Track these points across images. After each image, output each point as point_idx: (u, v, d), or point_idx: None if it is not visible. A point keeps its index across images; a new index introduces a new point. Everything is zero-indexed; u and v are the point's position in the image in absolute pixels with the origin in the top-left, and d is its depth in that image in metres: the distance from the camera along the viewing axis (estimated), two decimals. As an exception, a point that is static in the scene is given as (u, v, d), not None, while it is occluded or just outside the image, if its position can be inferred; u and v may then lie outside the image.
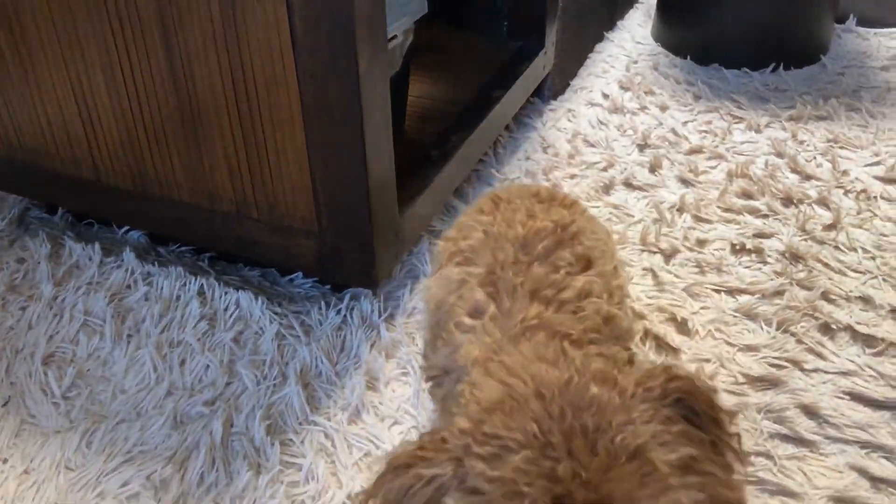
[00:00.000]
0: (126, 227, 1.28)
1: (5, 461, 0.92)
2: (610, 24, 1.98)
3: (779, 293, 1.12)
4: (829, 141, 1.50)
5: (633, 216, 1.31)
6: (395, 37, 1.10)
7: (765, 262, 1.19)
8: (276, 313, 1.09)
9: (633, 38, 1.95)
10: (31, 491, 0.88)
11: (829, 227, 1.26)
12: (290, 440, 0.92)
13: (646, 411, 0.49)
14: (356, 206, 0.95)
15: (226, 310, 1.10)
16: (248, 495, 0.85)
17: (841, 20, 1.97)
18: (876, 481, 0.86)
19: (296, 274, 1.18)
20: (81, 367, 1.03)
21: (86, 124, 1.07)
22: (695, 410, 0.52)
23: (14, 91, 1.10)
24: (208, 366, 1.02)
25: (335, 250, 1.00)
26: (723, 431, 0.53)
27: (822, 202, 1.32)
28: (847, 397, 0.96)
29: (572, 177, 1.41)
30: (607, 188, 1.39)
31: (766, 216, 1.29)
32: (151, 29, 0.94)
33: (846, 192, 1.35)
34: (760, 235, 1.24)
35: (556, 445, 0.46)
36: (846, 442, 0.90)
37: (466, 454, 0.48)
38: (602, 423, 0.47)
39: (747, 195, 1.34)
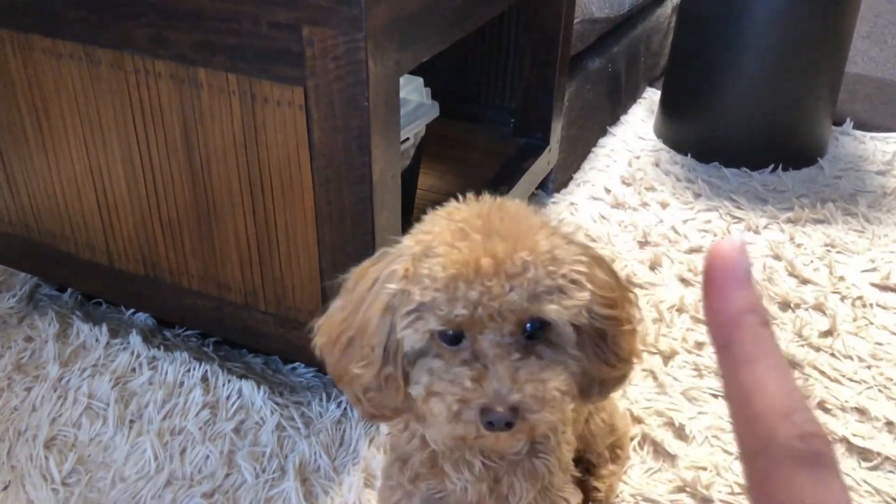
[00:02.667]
0: (133, 310, 1.30)
1: (1, 549, 0.92)
2: (613, 119, 2.03)
3: (775, 400, 1.13)
4: (826, 245, 1.53)
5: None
6: (407, 139, 1.14)
7: (762, 368, 1.20)
8: (277, 404, 1.10)
9: (636, 134, 2.01)
10: (26, 582, 0.88)
11: (826, 334, 1.28)
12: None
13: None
14: (363, 305, 0.97)
15: (228, 398, 1.11)
16: None
17: (838, 123, 2.02)
18: None
19: (298, 363, 1.20)
20: (83, 453, 1.04)
21: (102, 210, 1.10)
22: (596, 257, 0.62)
23: (35, 174, 1.14)
24: (208, 456, 1.03)
25: (340, 346, 1.01)
26: (615, 274, 0.63)
27: (819, 308, 1.34)
28: (842, 512, 0.97)
29: (574, 272, 1.44)
30: (608, 285, 1.41)
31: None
32: (173, 125, 0.98)
33: (843, 298, 1.38)
34: (758, 340, 1.26)
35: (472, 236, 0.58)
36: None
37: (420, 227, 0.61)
38: (522, 211, 0.61)
39: (745, 298, 1.37)
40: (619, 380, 0.64)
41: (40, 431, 1.07)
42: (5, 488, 0.99)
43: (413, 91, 1.19)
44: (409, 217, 1.30)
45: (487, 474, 0.70)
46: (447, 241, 0.58)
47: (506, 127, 1.62)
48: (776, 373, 0.22)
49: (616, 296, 0.61)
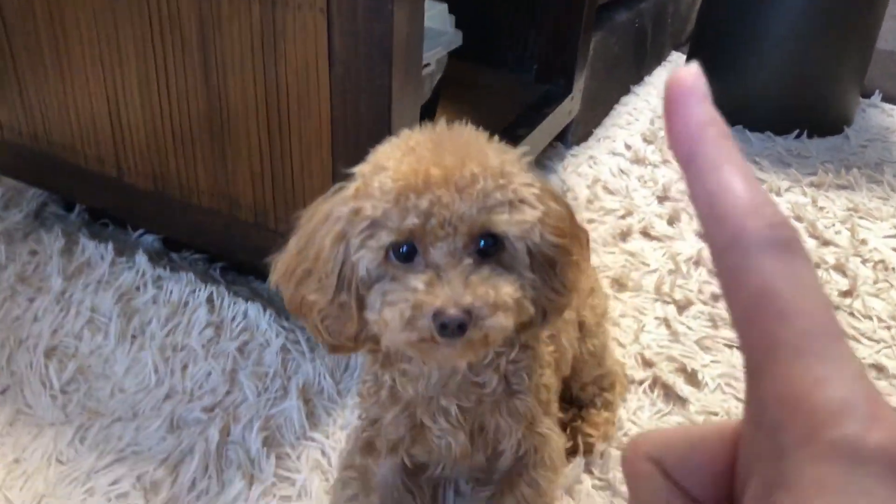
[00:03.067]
0: (141, 231, 1.28)
1: (-3, 449, 0.90)
2: (637, 78, 1.99)
3: (791, 354, 1.10)
4: (849, 209, 1.50)
5: (648, 265, 1.30)
6: (428, 65, 1.11)
7: (778, 322, 1.17)
8: (283, 327, 1.08)
9: (659, 94, 1.96)
10: (20, 480, 0.86)
11: (846, 294, 1.25)
12: (287, 454, 0.90)
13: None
14: (375, 225, 0.95)
15: (233, 319, 1.09)
16: (239, 506, 0.84)
17: (866, 95, 1.98)
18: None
19: (306, 291, 1.17)
20: (83, 363, 1.02)
21: (114, 122, 1.08)
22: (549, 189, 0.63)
23: (48, 85, 1.11)
24: (210, 373, 1.01)
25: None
26: (567, 207, 0.64)
27: (840, 268, 1.31)
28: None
29: (590, 221, 1.41)
30: (624, 235, 1.38)
31: (782, 277, 1.28)
32: (190, 31, 0.95)
33: (864, 262, 1.34)
34: (775, 295, 1.23)
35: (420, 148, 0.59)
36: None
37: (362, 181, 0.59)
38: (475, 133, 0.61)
39: (764, 255, 1.33)
40: (561, 309, 0.65)
41: (41, 340, 1.05)
42: (3, 392, 0.98)
43: (437, 17, 1.16)
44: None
45: (466, 420, 0.70)
46: (396, 157, 0.58)
47: (528, 73, 1.59)
48: (741, 175, 0.22)
49: (565, 227, 0.61)
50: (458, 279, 0.55)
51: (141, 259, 1.19)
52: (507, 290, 0.56)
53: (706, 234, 0.23)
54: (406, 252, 0.57)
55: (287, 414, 0.95)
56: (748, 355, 0.21)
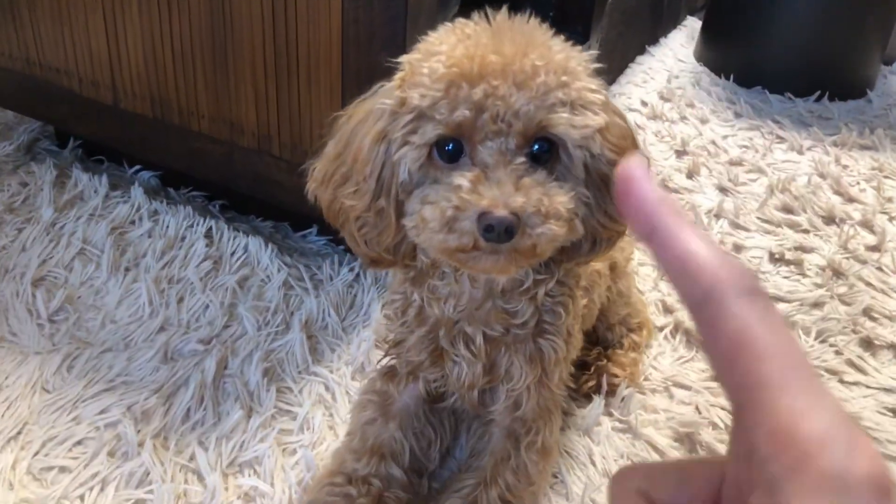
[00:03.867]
0: (137, 167, 1.21)
1: (-22, 374, 0.84)
2: (653, 39, 1.93)
3: (818, 305, 1.05)
4: (874, 169, 1.44)
5: (667, 215, 1.25)
6: (444, -10, 1.05)
7: (804, 275, 1.12)
8: (285, 263, 1.02)
9: (675, 56, 1.91)
10: (2, 407, 0.80)
11: (873, 249, 1.19)
12: (288, 388, 0.85)
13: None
14: (386, 149, 0.89)
15: (233, 254, 1.04)
16: (237, 436, 0.78)
17: (889, 62, 1.92)
18: (920, 501, 0.78)
19: (309, 230, 1.12)
20: (72, 293, 0.96)
21: (111, 42, 1.02)
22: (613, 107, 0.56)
23: (41, 1, 1.05)
24: (208, 305, 0.95)
25: (358, 195, 0.93)
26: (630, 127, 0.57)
27: (866, 224, 1.26)
28: (890, 414, 0.89)
29: (606, 172, 1.35)
30: (642, 187, 1.32)
31: (806, 231, 1.22)
32: (193, -59, 0.89)
33: (891, 219, 1.29)
34: (800, 249, 1.17)
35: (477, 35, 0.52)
36: (890, 458, 0.83)
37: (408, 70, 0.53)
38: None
39: (788, 209, 1.28)
40: (611, 238, 0.58)
41: (28, 270, 0.99)
42: (-13, 319, 0.92)
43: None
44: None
45: (488, 351, 0.64)
46: (451, 42, 0.51)
47: (545, 19, 1.52)
48: (701, 237, 0.25)
49: (626, 145, 0.54)
50: (509, 179, 0.49)
51: (137, 192, 1.13)
52: (562, 198, 0.50)
53: (681, 295, 0.25)
54: (452, 150, 0.51)
55: (289, 348, 0.89)
56: (733, 395, 0.23)
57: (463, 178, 0.49)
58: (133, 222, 1.09)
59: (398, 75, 0.53)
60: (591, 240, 0.57)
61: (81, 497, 0.72)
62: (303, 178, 0.95)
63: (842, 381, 0.93)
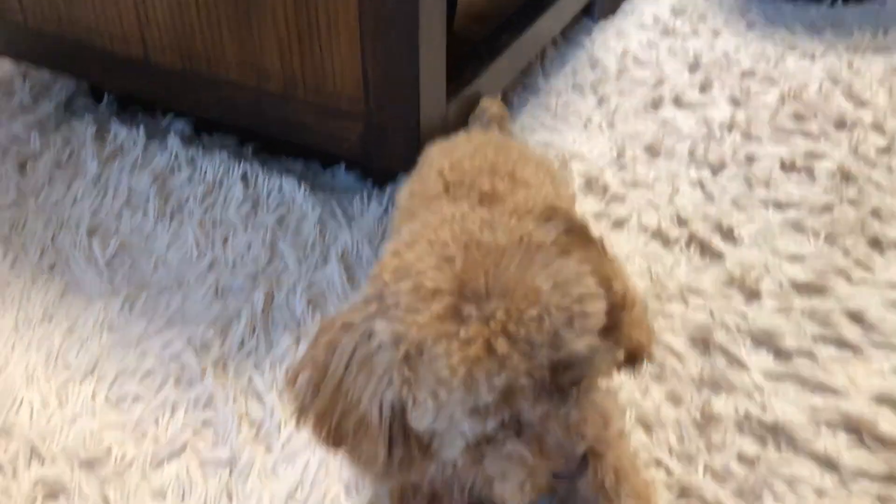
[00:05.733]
0: (170, 116, 1.28)
1: (51, 319, 0.93)
2: (664, -48, 1.93)
3: (827, 209, 1.10)
4: (886, 70, 1.46)
5: (681, 131, 1.29)
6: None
7: (814, 180, 1.16)
8: (318, 200, 1.09)
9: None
10: (75, 346, 0.89)
11: (883, 151, 1.23)
12: (331, 314, 0.92)
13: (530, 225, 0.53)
14: (406, 87, 0.94)
15: (269, 195, 1.10)
16: (288, 360, 0.86)
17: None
18: (921, 386, 0.85)
19: (338, 166, 1.18)
20: (125, 240, 1.04)
21: (137, -1, 1.07)
22: (572, 230, 0.55)
23: (66, -35, 1.10)
24: (250, 244, 1.02)
25: (381, 132, 0.99)
26: (597, 247, 0.57)
27: (877, 127, 1.29)
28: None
29: (620, 92, 1.39)
30: (656, 104, 1.36)
31: (817, 137, 1.26)
32: None
33: (902, 120, 1.31)
34: (811, 155, 1.21)
35: (456, 257, 0.50)
36: (893, 348, 0.89)
37: (385, 287, 0.51)
38: (496, 236, 0.51)
39: (799, 117, 1.31)
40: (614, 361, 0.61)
41: (82, 221, 1.07)
42: (51, 268, 1.00)
43: None
44: (451, 24, 1.24)
45: None
46: (440, 331, 0.47)
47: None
48: None
49: (617, 289, 0.55)
50: (563, 428, 0.50)
51: (173, 142, 1.20)
52: (606, 407, 0.54)
53: None
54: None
55: (329, 279, 0.97)
56: None
57: (524, 451, 0.51)
58: (173, 170, 1.16)
59: (396, 375, 0.50)
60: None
61: (156, 420, 0.81)
62: (329, 120, 1.01)
63: (849, 280, 0.98)
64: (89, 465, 0.77)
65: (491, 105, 1.08)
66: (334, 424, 0.53)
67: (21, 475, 0.75)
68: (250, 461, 0.76)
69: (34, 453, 0.78)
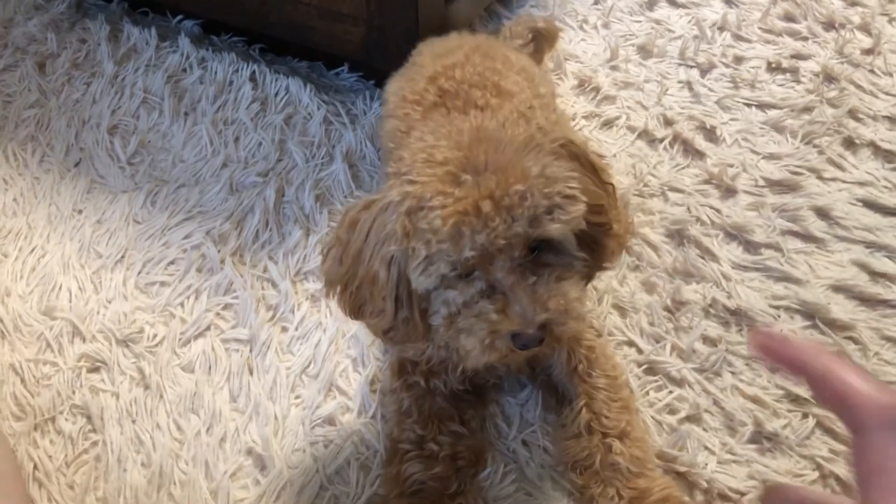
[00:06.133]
0: (180, 17, 1.32)
1: (80, 212, 1.01)
2: None
3: (808, 109, 1.15)
4: (880, -31, 1.48)
5: (673, 31, 1.32)
6: None
7: (798, 81, 1.21)
8: (323, 101, 1.15)
9: None
10: (105, 237, 0.98)
11: (868, 52, 1.27)
12: (338, 210, 1.00)
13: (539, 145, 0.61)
14: (406, -8, 0.98)
15: (276, 95, 1.16)
16: (299, 252, 0.95)
17: None
18: (876, 275, 0.93)
19: (341, 68, 1.23)
20: (143, 138, 1.11)
21: None
22: (577, 156, 0.63)
23: None
24: (261, 143, 1.09)
25: (381, 35, 1.04)
26: (600, 177, 0.65)
27: (864, 28, 1.32)
28: (860, 204, 1.02)
29: (617, -9, 1.42)
30: (651, 4, 1.39)
31: (805, 38, 1.30)
32: None
33: (890, 20, 1.35)
34: (797, 56, 1.26)
35: (467, 140, 0.60)
36: (853, 241, 0.97)
37: (402, 162, 0.61)
38: (505, 133, 0.61)
39: (789, 17, 1.35)
40: (598, 272, 0.68)
41: (102, 120, 1.14)
42: (77, 165, 1.08)
43: None
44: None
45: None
46: (439, 189, 0.57)
47: None
48: (856, 373, 0.29)
49: (603, 202, 0.62)
50: (528, 297, 0.58)
51: (184, 42, 1.25)
52: (574, 293, 0.60)
53: (844, 423, 0.29)
54: (464, 271, 0.59)
55: (335, 176, 1.04)
56: None
57: (489, 310, 0.58)
58: (185, 70, 1.22)
59: (398, 224, 0.59)
60: (585, 277, 0.66)
61: (182, 304, 0.90)
62: (332, 23, 1.05)
63: (820, 178, 1.05)
64: (125, 342, 0.86)
65: (547, 24, 1.12)
66: (353, 290, 0.63)
67: (66, 351, 0.86)
68: (268, 340, 0.86)
69: (76, 332, 0.87)
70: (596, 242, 0.64)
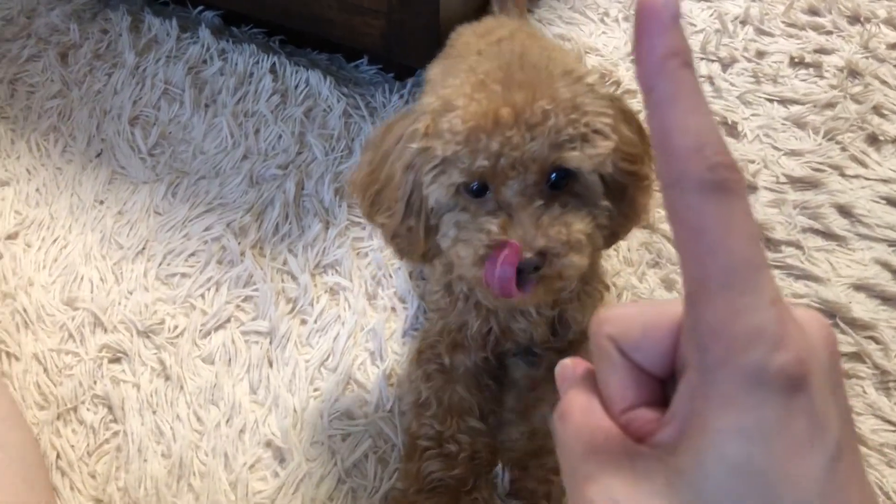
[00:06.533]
0: (200, 7, 1.32)
1: (102, 203, 1.02)
2: None
3: (831, 105, 1.14)
4: (906, -38, 1.46)
5: (695, 25, 1.32)
6: None
7: (822, 77, 1.20)
8: (343, 93, 1.15)
9: None
10: (126, 228, 0.98)
11: (893, 47, 1.26)
12: (356, 203, 1.00)
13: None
14: (427, -14, 0.98)
15: (296, 87, 1.16)
16: (318, 245, 0.95)
17: None
18: (897, 274, 0.92)
19: (361, 60, 1.23)
20: (164, 130, 1.12)
21: None
22: (617, 100, 0.62)
23: None
24: (281, 135, 1.09)
25: (401, 28, 1.04)
26: (639, 126, 0.63)
27: (890, 22, 1.31)
28: (883, 202, 1.01)
29: (638, -16, 1.41)
30: (672, -3, 1.38)
31: (829, 32, 1.29)
32: None
33: (917, 14, 1.33)
34: (821, 51, 1.25)
35: (508, 61, 0.59)
36: (875, 240, 0.96)
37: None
38: (544, 62, 0.59)
39: (813, 11, 1.33)
40: (629, 231, 0.66)
41: (124, 111, 1.14)
42: (98, 156, 1.08)
43: None
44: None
45: (543, 315, 0.73)
46: (466, 93, 0.57)
47: None
48: (693, 111, 0.24)
49: (637, 151, 0.60)
50: (530, 220, 0.56)
51: (204, 33, 1.25)
52: (579, 226, 0.57)
53: (657, 168, 0.24)
54: (477, 189, 0.58)
55: (354, 169, 1.04)
56: (686, 283, 0.24)
57: (491, 223, 0.57)
58: (205, 61, 1.22)
59: (423, 121, 0.60)
60: (611, 233, 0.64)
61: (202, 296, 0.91)
62: (353, 16, 1.05)
63: (843, 175, 1.04)
64: (146, 333, 0.87)
65: None
66: (374, 192, 0.65)
67: (88, 341, 0.86)
68: (287, 332, 0.86)
69: (97, 322, 0.88)
70: (625, 195, 0.62)
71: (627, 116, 0.62)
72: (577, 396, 0.29)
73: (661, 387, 0.28)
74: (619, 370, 0.28)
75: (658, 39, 0.24)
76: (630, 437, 0.27)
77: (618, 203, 0.61)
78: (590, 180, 0.58)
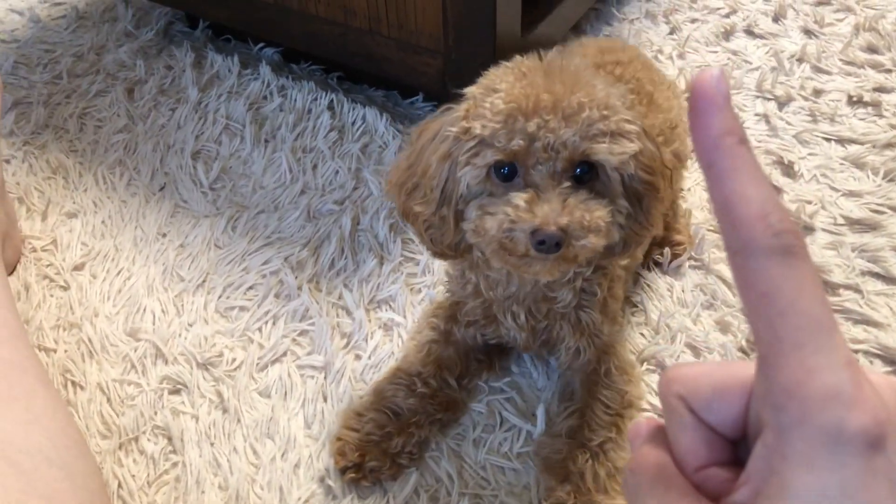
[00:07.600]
0: (261, 44, 1.36)
1: (164, 235, 1.05)
2: None
3: (890, 145, 1.13)
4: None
5: (750, 63, 1.31)
6: None
7: (881, 116, 1.19)
8: (398, 130, 1.17)
9: None
10: (187, 261, 1.01)
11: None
12: (411, 239, 1.02)
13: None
14: (482, 25, 1.00)
15: (353, 123, 1.19)
16: (373, 280, 0.96)
17: None
18: (961, 321, 0.90)
19: (416, 97, 1.25)
20: (225, 164, 1.15)
21: (232, -63, 1.14)
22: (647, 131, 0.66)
23: None
24: (338, 171, 1.12)
25: (458, 68, 1.05)
26: (657, 146, 0.67)
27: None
28: (945, 244, 0.99)
29: (693, 20, 1.41)
30: (727, 34, 1.38)
31: (889, 71, 1.27)
32: None
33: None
34: (880, 90, 1.23)
35: (552, 61, 0.64)
36: (930, 284, 0.94)
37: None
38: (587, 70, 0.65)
39: (872, 49, 1.32)
40: (640, 240, 0.69)
41: (186, 145, 1.18)
42: (162, 189, 1.12)
43: None
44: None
45: (532, 325, 0.77)
46: (509, 80, 0.61)
47: None
48: (753, 183, 0.25)
49: (656, 166, 0.64)
50: (557, 199, 0.60)
51: (265, 70, 1.28)
52: (600, 213, 0.61)
53: (723, 238, 0.26)
54: (507, 172, 0.62)
55: (408, 205, 1.06)
56: (758, 345, 0.25)
57: (519, 198, 0.60)
58: (265, 98, 1.25)
59: (463, 106, 0.64)
60: (623, 242, 0.67)
61: (260, 329, 0.92)
62: (410, 55, 1.08)
63: (903, 218, 1.02)
64: (205, 365, 0.89)
65: None
66: (409, 187, 0.68)
67: (150, 372, 0.89)
68: (342, 367, 0.87)
69: (159, 354, 0.91)
70: (641, 203, 0.65)
71: (649, 135, 0.65)
72: (650, 452, 0.29)
73: (731, 447, 0.28)
74: (689, 429, 0.28)
75: (712, 119, 0.26)
76: (704, 495, 0.27)
77: (634, 209, 0.65)
78: (611, 178, 0.62)
